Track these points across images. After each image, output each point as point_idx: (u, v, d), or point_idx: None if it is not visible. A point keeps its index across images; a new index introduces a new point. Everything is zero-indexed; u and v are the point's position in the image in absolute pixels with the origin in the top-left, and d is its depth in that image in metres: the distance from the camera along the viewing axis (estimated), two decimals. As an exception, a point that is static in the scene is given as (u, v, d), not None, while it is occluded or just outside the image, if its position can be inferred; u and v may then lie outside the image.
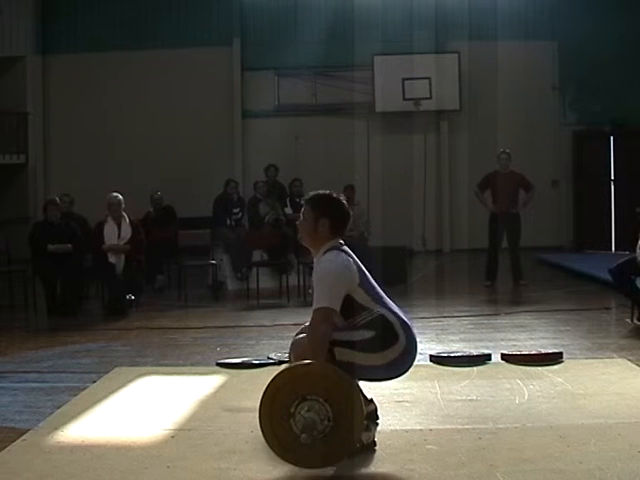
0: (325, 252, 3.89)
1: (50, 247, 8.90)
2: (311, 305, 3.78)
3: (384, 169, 14.77)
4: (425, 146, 15.48)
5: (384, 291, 3.97)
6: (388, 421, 4.27)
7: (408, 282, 10.39)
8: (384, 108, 15.15)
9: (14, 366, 6.10)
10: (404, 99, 15.00)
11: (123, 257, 8.90)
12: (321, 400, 3.60)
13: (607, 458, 3.63)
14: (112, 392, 5.09)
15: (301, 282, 9.54)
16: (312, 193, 4.07)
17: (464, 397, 4.81)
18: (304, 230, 4.01)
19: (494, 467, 3.57)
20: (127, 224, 9.05)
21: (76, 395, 5.05)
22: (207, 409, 4.67)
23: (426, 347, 6.36)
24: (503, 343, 6.51)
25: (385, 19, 15.22)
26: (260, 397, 3.66)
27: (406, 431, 4.14)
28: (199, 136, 15.45)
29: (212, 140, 15.54)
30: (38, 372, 5.87)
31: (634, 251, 7.17)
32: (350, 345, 3.73)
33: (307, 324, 3.84)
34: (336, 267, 3.80)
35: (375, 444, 3.88)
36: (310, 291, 3.61)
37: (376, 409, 4.22)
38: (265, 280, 9.94)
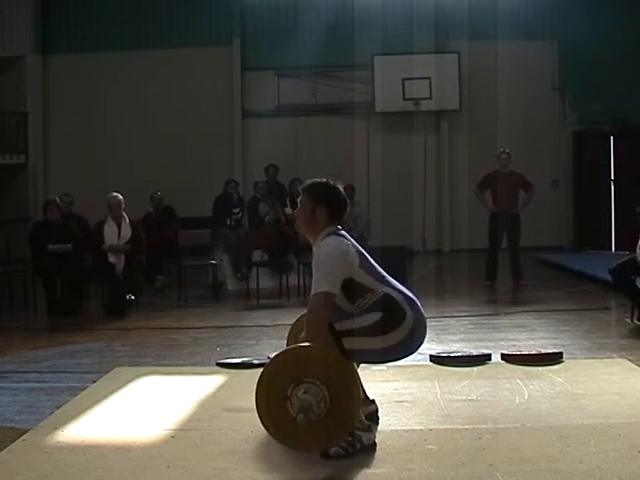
0: (323, 238, 3.89)
1: (50, 247, 8.90)
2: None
3: (384, 169, 14.78)
4: (425, 146, 15.49)
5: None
6: (388, 421, 4.27)
7: (408, 282, 10.33)
8: (384, 108, 15.16)
9: (14, 366, 6.10)
10: (404, 99, 15.00)
11: (123, 257, 8.89)
12: (318, 383, 3.61)
13: (607, 458, 3.63)
14: (112, 392, 5.09)
15: (301, 282, 9.54)
16: (309, 181, 4.08)
17: (464, 397, 4.81)
18: (302, 218, 4.02)
19: (494, 467, 3.56)
20: (127, 224, 9.04)
21: (76, 395, 5.04)
22: (207, 409, 4.67)
23: (426, 347, 6.34)
24: (503, 343, 6.50)
25: (385, 19, 15.23)
26: (257, 379, 3.65)
27: (406, 431, 4.14)
28: (199, 136, 15.46)
29: (212, 140, 15.56)
30: (38, 372, 5.87)
31: (634, 251, 7.17)
32: (358, 332, 3.73)
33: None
34: (335, 251, 3.81)
35: (375, 444, 3.88)
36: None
37: (377, 410, 4.22)
38: (265, 280, 9.94)
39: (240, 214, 11.51)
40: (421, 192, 15.35)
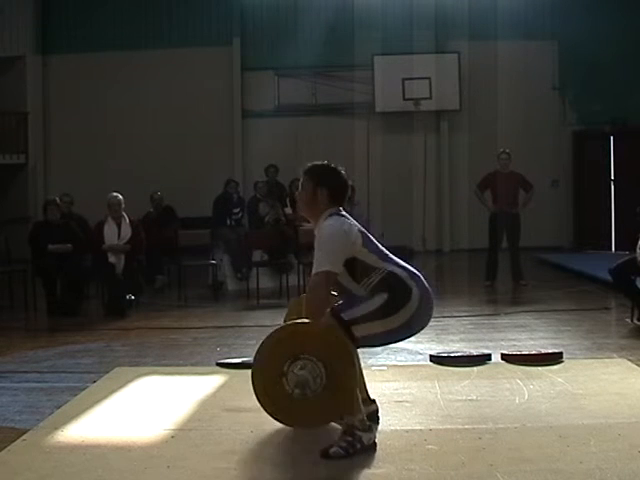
0: (325, 219, 3.90)
1: (50, 247, 8.90)
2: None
3: (384, 169, 14.78)
4: (425, 146, 15.49)
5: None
6: (388, 421, 4.27)
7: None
8: (384, 108, 15.16)
9: (14, 366, 6.10)
10: (404, 99, 15.00)
11: (123, 257, 8.89)
12: (314, 359, 3.61)
13: (607, 458, 3.62)
14: (112, 392, 5.08)
15: (301, 282, 9.53)
16: (310, 164, 4.09)
17: (464, 397, 4.81)
18: (303, 200, 4.03)
19: (494, 467, 3.56)
20: (127, 224, 9.04)
21: (76, 395, 5.04)
22: (207, 409, 4.66)
23: (426, 347, 6.37)
24: (503, 343, 6.50)
25: (385, 19, 15.23)
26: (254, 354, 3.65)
27: (406, 431, 4.13)
28: (199, 136, 15.46)
29: (212, 140, 15.56)
30: (38, 372, 5.86)
31: (634, 251, 7.17)
32: (366, 318, 3.74)
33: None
34: (337, 231, 3.82)
35: (375, 445, 3.88)
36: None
37: (377, 410, 4.23)
38: (265, 280, 9.94)
39: (240, 214, 11.51)
40: (421, 192, 15.34)
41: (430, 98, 14.99)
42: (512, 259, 10.27)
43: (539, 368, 5.46)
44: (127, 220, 9.08)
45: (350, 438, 3.76)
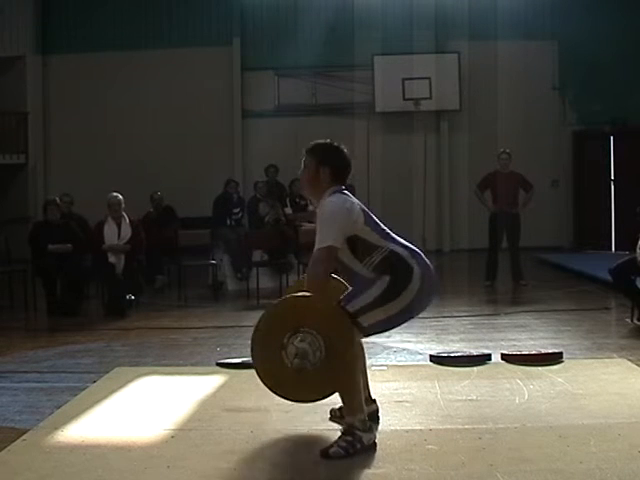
0: (327, 196, 3.91)
1: (50, 247, 8.91)
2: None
3: (384, 169, 14.78)
4: (425, 146, 15.49)
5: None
6: (388, 421, 4.27)
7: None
8: (384, 108, 15.15)
9: (14, 366, 6.10)
10: (404, 99, 15.00)
11: (123, 257, 8.89)
12: (314, 333, 3.62)
13: (607, 458, 3.63)
14: (112, 392, 5.09)
15: (301, 282, 9.52)
16: (312, 143, 4.09)
17: (464, 397, 4.81)
18: (306, 179, 4.03)
19: (494, 467, 3.56)
20: (127, 224, 9.04)
21: (76, 395, 5.04)
22: (207, 409, 4.66)
23: (426, 347, 6.37)
24: (503, 343, 6.50)
25: (385, 19, 15.23)
26: (254, 326, 3.65)
27: (406, 431, 4.13)
28: (199, 136, 15.46)
29: (212, 140, 15.55)
30: (38, 372, 5.87)
31: (634, 251, 7.17)
32: (371, 306, 3.75)
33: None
34: (338, 208, 3.83)
35: (375, 445, 3.88)
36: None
37: (377, 410, 4.23)
38: (265, 280, 9.94)
39: (240, 214, 11.51)
40: (421, 192, 15.34)
41: (430, 98, 14.98)
42: (512, 259, 10.27)
43: (539, 368, 5.46)
44: (127, 220, 9.08)
45: (350, 438, 3.76)
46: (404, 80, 14.90)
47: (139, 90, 15.52)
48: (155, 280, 10.77)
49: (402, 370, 5.61)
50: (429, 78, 14.92)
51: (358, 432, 3.77)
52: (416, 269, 3.84)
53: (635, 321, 7.28)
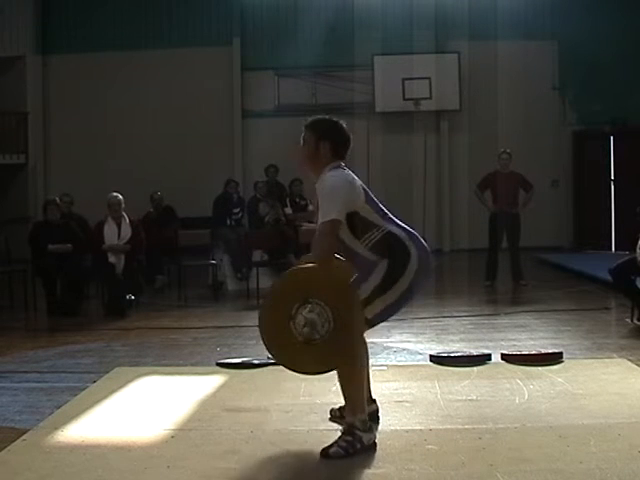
0: (328, 171, 3.91)
1: (50, 247, 8.91)
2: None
3: (384, 169, 14.77)
4: (425, 146, 15.48)
5: None
6: (388, 421, 4.27)
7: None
8: (384, 108, 15.15)
9: (14, 366, 6.10)
10: (404, 99, 14.99)
11: (123, 257, 8.89)
12: (322, 304, 3.62)
13: (607, 458, 3.63)
14: (112, 392, 5.09)
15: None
16: (311, 118, 4.09)
17: (464, 397, 4.81)
18: (305, 154, 4.04)
19: (494, 467, 3.56)
20: (127, 224, 9.04)
21: (76, 395, 5.04)
22: (207, 409, 4.66)
23: (426, 347, 6.37)
24: (503, 343, 6.50)
25: (385, 19, 15.22)
26: (263, 299, 3.66)
27: (406, 431, 4.13)
28: (199, 136, 15.45)
29: (212, 140, 15.55)
30: (38, 372, 5.86)
31: (634, 251, 7.17)
32: (373, 296, 3.76)
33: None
34: (341, 182, 3.85)
35: (376, 445, 3.88)
36: None
37: (378, 409, 4.23)
38: (265, 280, 9.92)
39: (240, 214, 11.51)
40: (421, 192, 15.34)
41: (430, 98, 14.98)
42: (512, 259, 10.27)
43: (539, 368, 5.46)
44: (127, 220, 9.08)
45: (350, 438, 3.76)
46: (404, 80, 14.89)
47: (139, 90, 15.52)
48: (155, 280, 10.77)
49: (402, 370, 5.61)
50: (429, 78, 14.92)
51: (358, 432, 3.77)
52: (413, 251, 3.85)
53: (635, 321, 7.28)
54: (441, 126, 15.64)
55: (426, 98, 14.96)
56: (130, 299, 8.91)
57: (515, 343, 6.52)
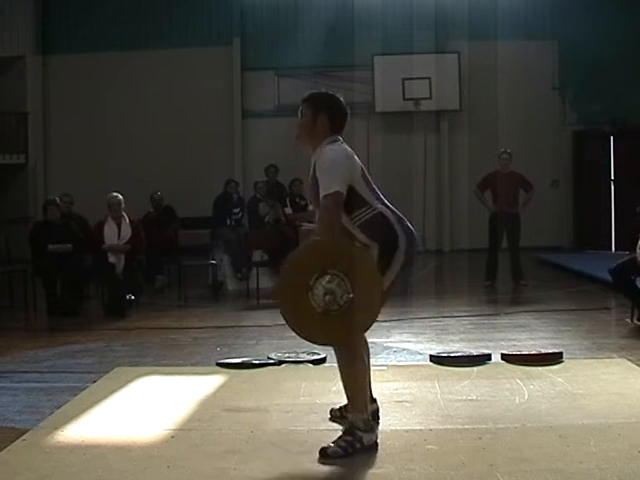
0: (326, 145, 3.91)
1: (50, 247, 8.90)
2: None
3: (384, 169, 14.73)
4: (425, 146, 15.49)
5: None
6: (388, 421, 4.27)
7: (408, 282, 10.38)
8: (384, 108, 15.16)
9: (14, 366, 6.10)
10: (404, 99, 15.00)
11: (123, 257, 8.89)
12: (342, 275, 3.61)
13: (607, 458, 3.63)
14: (112, 392, 5.09)
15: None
16: (309, 92, 4.11)
17: (464, 397, 4.81)
18: (303, 128, 4.03)
19: (494, 467, 3.56)
20: (127, 224, 9.04)
21: (76, 395, 5.04)
22: (207, 409, 4.66)
23: (426, 347, 6.37)
24: (503, 343, 6.50)
25: (385, 19, 15.22)
26: (281, 270, 3.68)
27: (406, 431, 4.13)
28: (199, 136, 15.45)
29: (212, 140, 15.55)
30: (38, 372, 5.86)
31: (634, 251, 7.17)
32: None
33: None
34: (340, 154, 3.86)
35: (377, 445, 3.87)
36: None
37: (378, 409, 4.23)
38: (265, 280, 9.93)
39: (240, 214, 11.51)
40: (421, 192, 15.34)
41: (430, 98, 14.99)
42: (512, 259, 10.27)
43: (539, 368, 5.46)
44: (127, 220, 9.08)
45: (350, 438, 3.76)
46: (404, 80, 14.90)
47: (139, 90, 15.52)
48: (155, 280, 10.77)
49: (402, 370, 5.61)
50: (429, 78, 14.92)
51: (359, 432, 3.77)
52: (401, 236, 3.86)
53: (635, 321, 7.28)
54: (441, 126, 15.64)
55: (426, 98, 14.97)
56: (130, 299, 8.90)
57: (515, 343, 6.52)
